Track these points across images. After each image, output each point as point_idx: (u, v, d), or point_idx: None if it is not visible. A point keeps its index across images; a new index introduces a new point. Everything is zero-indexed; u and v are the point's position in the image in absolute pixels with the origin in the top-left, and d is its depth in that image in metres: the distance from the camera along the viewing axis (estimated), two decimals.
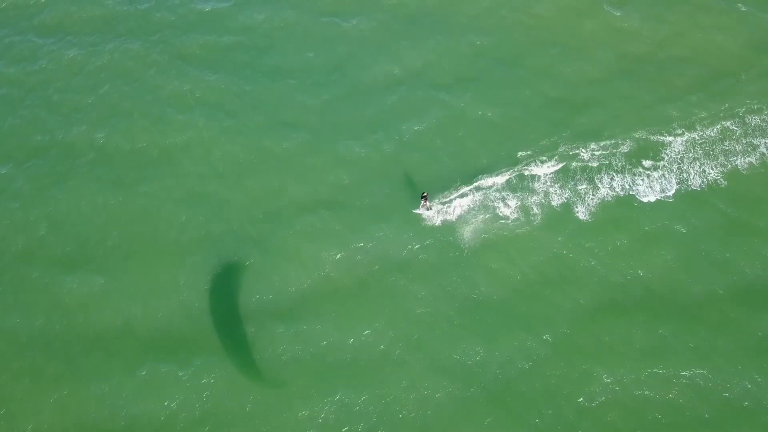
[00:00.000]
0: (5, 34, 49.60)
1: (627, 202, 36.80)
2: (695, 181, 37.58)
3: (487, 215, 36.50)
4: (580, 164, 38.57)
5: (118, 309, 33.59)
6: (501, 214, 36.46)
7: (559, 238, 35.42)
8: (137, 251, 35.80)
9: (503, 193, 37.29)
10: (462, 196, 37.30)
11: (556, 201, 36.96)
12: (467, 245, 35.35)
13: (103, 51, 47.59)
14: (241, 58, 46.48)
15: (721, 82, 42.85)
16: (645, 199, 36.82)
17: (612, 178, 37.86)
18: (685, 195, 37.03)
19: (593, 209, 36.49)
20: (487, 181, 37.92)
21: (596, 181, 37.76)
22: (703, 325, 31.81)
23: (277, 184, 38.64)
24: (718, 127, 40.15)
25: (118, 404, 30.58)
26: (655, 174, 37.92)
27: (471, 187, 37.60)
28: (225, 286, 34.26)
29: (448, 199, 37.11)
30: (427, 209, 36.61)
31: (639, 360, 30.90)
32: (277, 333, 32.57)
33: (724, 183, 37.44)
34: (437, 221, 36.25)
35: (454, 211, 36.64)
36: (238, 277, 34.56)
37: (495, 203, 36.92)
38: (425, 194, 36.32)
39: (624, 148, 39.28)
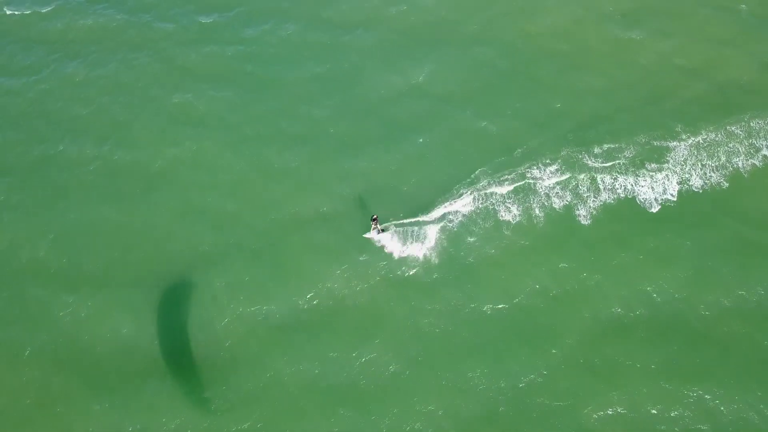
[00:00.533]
0: (6, 44, 49.54)
1: (633, 213, 36.46)
2: (697, 183, 37.40)
3: (490, 223, 36.25)
4: (584, 173, 38.36)
5: (119, 326, 33.30)
6: (504, 223, 36.19)
7: (564, 252, 35.10)
8: (139, 267, 35.52)
9: (506, 204, 37.07)
10: (465, 205, 37.09)
11: (560, 211, 36.65)
12: (471, 258, 35.05)
13: (104, 62, 47.55)
14: (244, 69, 46.39)
15: (725, 92, 42.64)
16: (652, 210, 36.54)
17: (617, 186, 37.61)
18: (690, 204, 36.70)
19: (598, 219, 36.16)
20: (490, 190, 37.70)
21: (601, 190, 37.50)
22: (710, 341, 31.43)
23: (280, 197, 38.36)
24: (723, 133, 40.06)
25: (120, 421, 30.29)
26: (660, 181, 37.65)
27: (474, 196, 37.39)
28: (227, 301, 33.96)
29: (451, 209, 36.86)
30: (379, 233, 35.77)
31: (645, 376, 30.54)
32: (280, 348, 32.25)
33: (725, 184, 37.32)
34: (391, 245, 35.47)
35: (457, 219, 36.43)
36: (240, 291, 34.27)
37: (498, 213, 36.67)
38: (375, 217, 35.42)
39: (628, 154, 39.18)
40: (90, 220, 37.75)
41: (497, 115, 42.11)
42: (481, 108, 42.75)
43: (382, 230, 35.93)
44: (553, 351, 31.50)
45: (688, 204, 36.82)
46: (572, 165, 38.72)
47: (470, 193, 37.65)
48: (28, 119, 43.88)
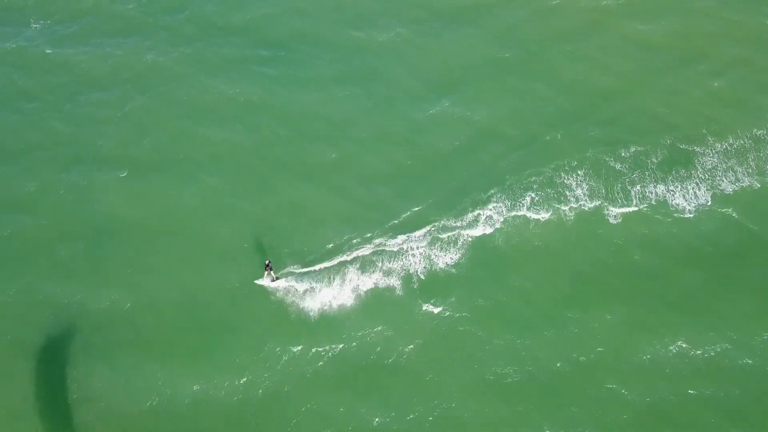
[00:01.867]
0: (32, 66, 48.23)
1: (669, 240, 35.95)
2: (729, 189, 37.61)
3: (523, 243, 36.10)
4: (611, 178, 38.53)
5: (157, 376, 32.31)
6: (536, 246, 36.00)
7: (604, 292, 34.26)
8: (176, 311, 34.54)
9: (533, 217, 36.99)
10: (493, 212, 37.22)
11: (590, 228, 36.47)
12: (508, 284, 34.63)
13: (127, 92, 46.46)
14: (273, 96, 45.37)
15: (748, 95, 42.65)
16: (684, 215, 36.66)
17: (646, 192, 37.78)
18: (726, 236, 36.20)
19: (631, 249, 35.54)
20: (513, 197, 37.94)
21: (633, 199, 37.50)
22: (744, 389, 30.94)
23: (313, 235, 37.22)
24: (749, 137, 40.14)
25: None
26: (691, 191, 37.71)
27: (503, 220, 37.20)
28: (267, 347, 33.04)
29: (482, 233, 36.60)
30: (273, 280, 34.54)
31: (699, 417, 30.25)
32: (328, 393, 31.49)
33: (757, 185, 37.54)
34: (284, 291, 34.60)
35: (486, 227, 36.57)
36: (277, 337, 33.27)
37: (526, 223, 36.61)
38: (268, 262, 34.24)
39: (654, 159, 39.34)
40: (115, 258, 36.55)
41: (518, 119, 42.43)
42: (500, 112, 43.07)
43: (277, 278, 34.75)
44: (601, 392, 30.89)
45: (725, 238, 36.18)
46: (600, 173, 38.84)
47: (496, 202, 37.77)
48: (49, 147, 42.58)
